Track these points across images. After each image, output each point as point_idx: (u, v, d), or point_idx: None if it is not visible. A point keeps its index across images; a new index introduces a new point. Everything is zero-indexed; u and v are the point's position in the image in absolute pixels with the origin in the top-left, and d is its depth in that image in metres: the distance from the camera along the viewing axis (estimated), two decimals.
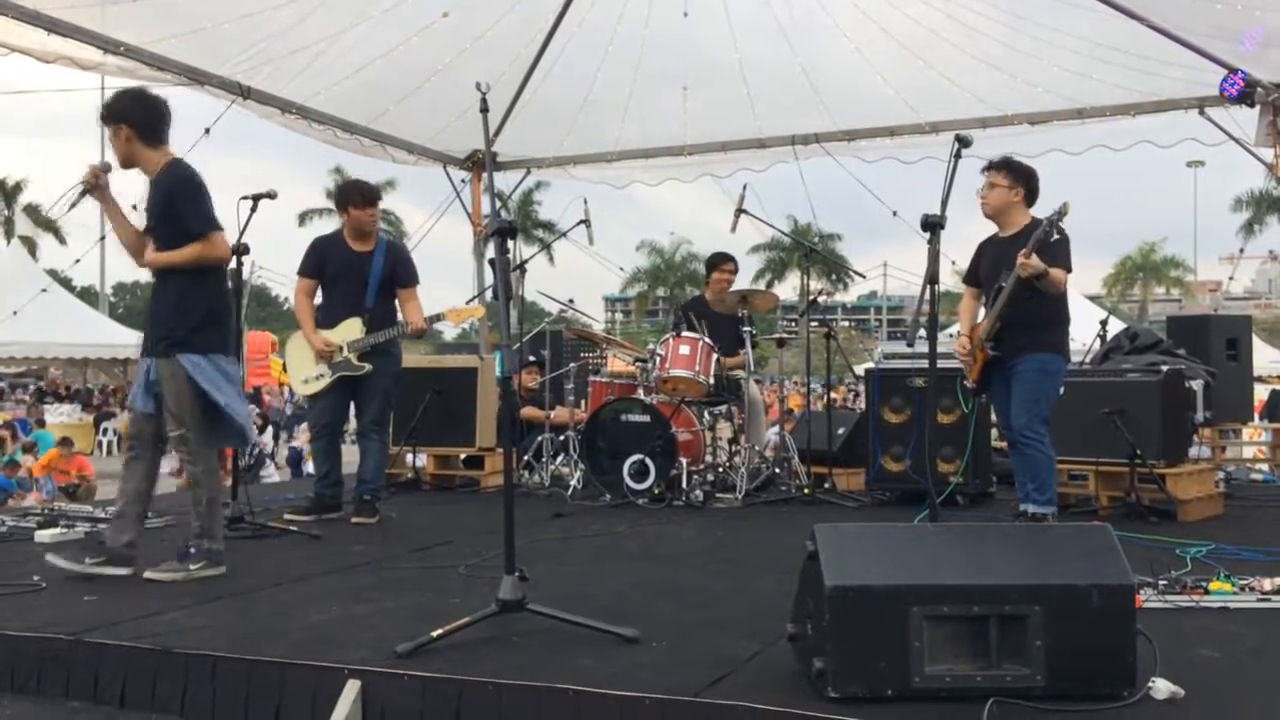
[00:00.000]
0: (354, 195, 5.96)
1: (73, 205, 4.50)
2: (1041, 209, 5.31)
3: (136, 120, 4.34)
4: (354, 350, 5.78)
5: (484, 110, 3.55)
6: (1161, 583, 3.69)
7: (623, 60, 8.40)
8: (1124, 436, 5.72)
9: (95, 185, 4.40)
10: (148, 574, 4.17)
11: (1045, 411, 5.10)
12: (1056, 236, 4.99)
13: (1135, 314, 48.08)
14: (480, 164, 9.69)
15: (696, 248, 51.77)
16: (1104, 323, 8.34)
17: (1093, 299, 29.65)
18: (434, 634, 3.08)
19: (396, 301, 5.98)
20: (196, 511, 4.33)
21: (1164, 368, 6.02)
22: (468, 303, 8.46)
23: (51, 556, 4.22)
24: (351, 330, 5.80)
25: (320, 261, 5.97)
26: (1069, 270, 5.12)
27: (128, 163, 4.39)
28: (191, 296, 4.32)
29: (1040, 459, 5.08)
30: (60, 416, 22.71)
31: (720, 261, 7.76)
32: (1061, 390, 5.51)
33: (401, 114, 8.59)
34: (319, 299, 6.04)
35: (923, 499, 5.98)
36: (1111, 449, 5.80)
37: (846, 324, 72.49)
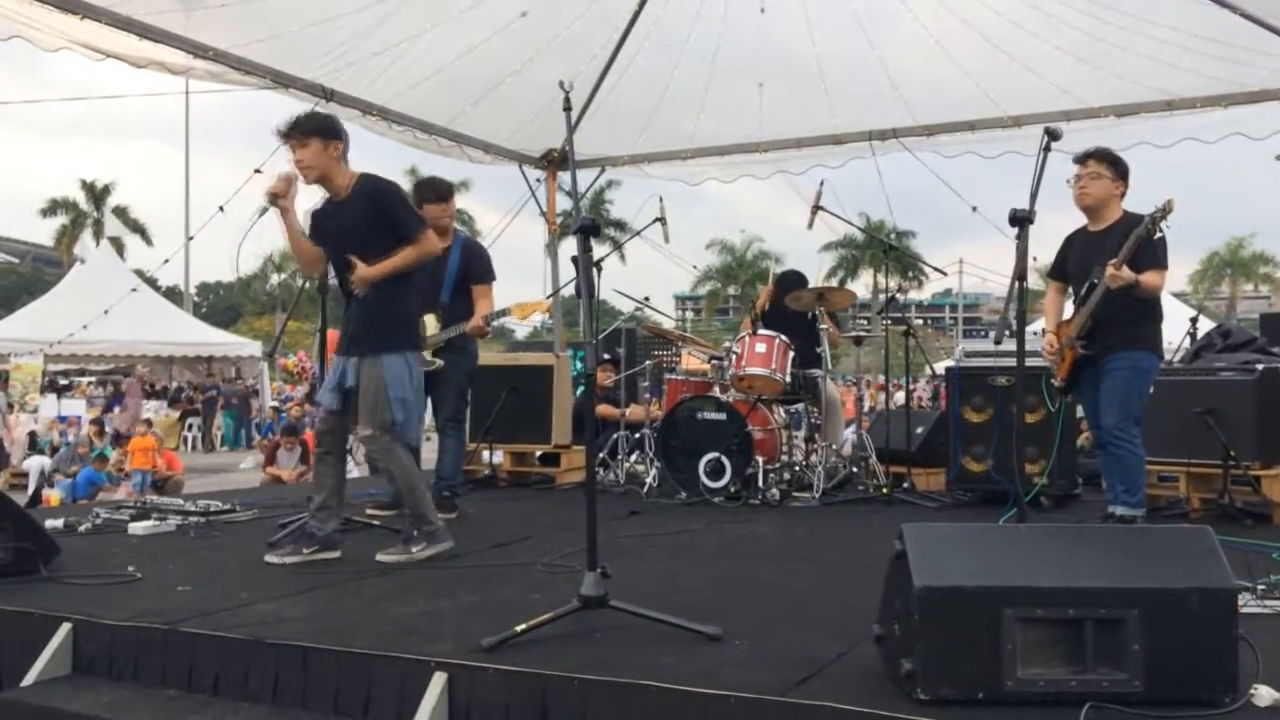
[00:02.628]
0: (427, 192, 5.99)
1: (261, 213, 4.54)
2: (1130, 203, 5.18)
3: (346, 139, 4.56)
4: (428, 347, 5.83)
5: (567, 109, 3.56)
6: (1260, 587, 3.58)
7: (699, 57, 8.37)
8: (1217, 436, 5.56)
9: (284, 194, 4.45)
10: (378, 556, 4.48)
11: (1137, 411, 4.97)
12: (1158, 235, 4.86)
13: (1223, 311, 46.67)
14: (555, 162, 9.74)
15: (768, 245, 51.56)
16: (1194, 320, 8.13)
17: (1179, 296, 28.87)
18: (518, 628, 3.10)
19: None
20: (408, 502, 4.63)
21: (1259, 366, 5.83)
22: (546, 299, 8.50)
23: (269, 557, 4.46)
24: (427, 327, 5.86)
25: None
26: (1165, 268, 4.98)
27: (320, 178, 4.52)
28: (396, 298, 4.53)
29: (1131, 460, 4.95)
30: (147, 413, 23.34)
31: (789, 288, 7.32)
32: (1150, 389, 5.37)
33: (478, 114, 8.66)
34: None
35: (1004, 500, 5.88)
36: (1204, 449, 5.63)
37: (921, 321, 71.61)
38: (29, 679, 3.32)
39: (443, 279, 5.92)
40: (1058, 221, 5.40)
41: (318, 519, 4.56)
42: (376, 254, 4.46)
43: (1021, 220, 3.70)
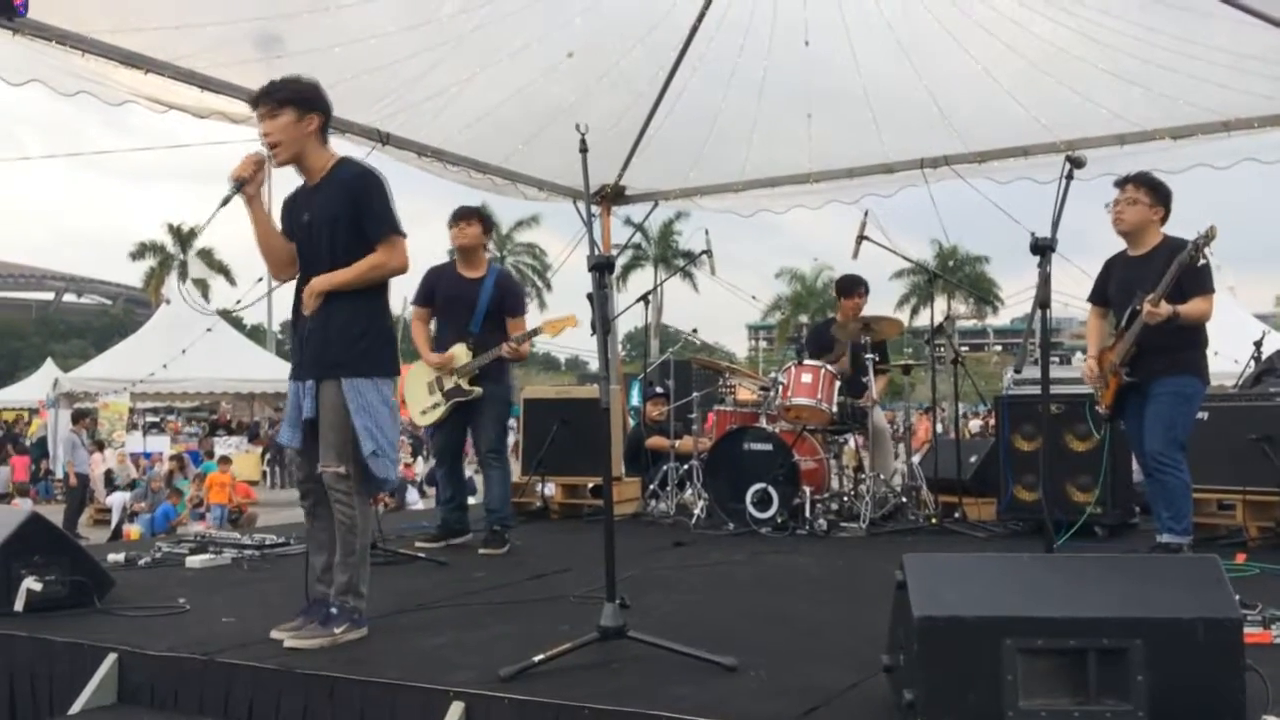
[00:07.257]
0: (450, 217, 6.15)
1: (225, 201, 3.67)
2: (1176, 228, 5.12)
3: (327, 111, 3.78)
4: (463, 375, 5.93)
5: (583, 150, 3.66)
6: None
7: (746, 91, 8.44)
8: (1273, 463, 5.42)
9: (252, 179, 3.69)
10: (287, 642, 3.58)
11: (1181, 436, 4.89)
12: (1202, 262, 4.81)
13: None
14: (608, 197, 9.86)
15: (839, 273, 51.17)
16: (1259, 343, 7.91)
17: (1263, 317, 27.98)
18: (536, 659, 3.17)
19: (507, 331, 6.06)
20: (345, 563, 3.72)
21: None
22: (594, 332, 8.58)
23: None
24: (459, 357, 5.95)
25: (430, 289, 6.17)
26: (1212, 293, 4.92)
27: (294, 158, 3.76)
28: (364, 312, 3.77)
29: (1176, 486, 4.87)
30: (229, 448, 24.01)
31: (851, 288, 7.63)
32: (1204, 415, 5.28)
33: (531, 152, 8.82)
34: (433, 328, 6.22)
35: (1059, 529, 5.78)
36: (1261, 477, 5.52)
37: (999, 348, 70.37)
38: (75, 707, 3.46)
39: (474, 308, 6.00)
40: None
41: (323, 582, 3.82)
42: (340, 249, 3.72)
43: (1043, 248, 3.69)
